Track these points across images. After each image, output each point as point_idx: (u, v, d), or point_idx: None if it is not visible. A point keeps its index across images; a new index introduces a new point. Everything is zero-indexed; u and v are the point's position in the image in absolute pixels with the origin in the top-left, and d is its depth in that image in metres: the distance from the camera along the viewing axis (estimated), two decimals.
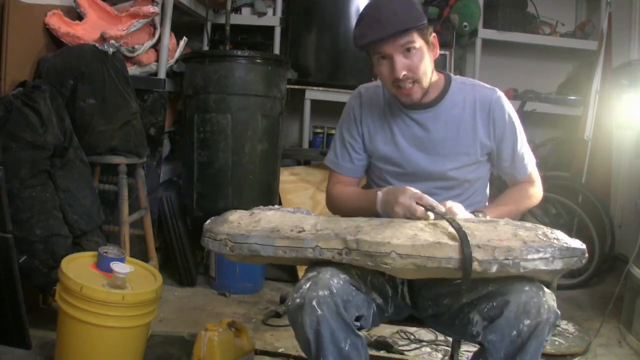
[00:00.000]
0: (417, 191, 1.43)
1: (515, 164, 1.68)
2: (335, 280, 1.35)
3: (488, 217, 1.50)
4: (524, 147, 1.68)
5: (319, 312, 1.31)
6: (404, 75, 1.50)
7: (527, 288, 1.31)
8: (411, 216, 1.40)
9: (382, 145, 1.67)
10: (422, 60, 1.51)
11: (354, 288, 1.40)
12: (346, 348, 1.33)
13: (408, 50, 1.49)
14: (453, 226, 1.28)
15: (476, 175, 1.67)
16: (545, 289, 1.35)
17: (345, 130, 1.72)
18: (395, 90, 1.57)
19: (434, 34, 1.55)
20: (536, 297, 1.29)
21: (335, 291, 1.33)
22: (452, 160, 1.62)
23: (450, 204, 1.45)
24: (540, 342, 1.28)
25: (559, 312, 1.33)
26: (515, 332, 1.27)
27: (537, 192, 1.70)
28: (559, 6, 4.02)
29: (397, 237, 1.29)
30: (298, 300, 1.34)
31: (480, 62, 3.78)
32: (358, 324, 1.40)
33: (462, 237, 1.24)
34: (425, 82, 1.56)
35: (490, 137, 1.63)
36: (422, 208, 1.40)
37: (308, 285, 1.34)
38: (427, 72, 1.55)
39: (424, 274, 1.31)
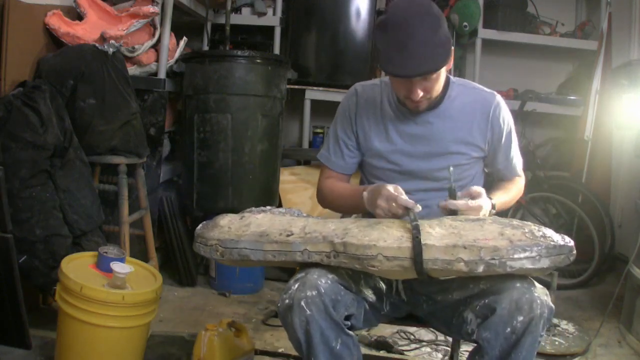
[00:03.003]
0: (392, 192, 1.43)
1: (508, 166, 1.73)
2: (323, 280, 1.36)
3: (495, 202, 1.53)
4: (517, 150, 1.73)
5: (308, 312, 1.32)
6: (421, 96, 1.51)
7: (518, 284, 1.31)
8: (393, 217, 1.42)
9: (377, 142, 1.67)
10: (438, 80, 1.52)
11: (342, 287, 1.41)
12: (337, 347, 1.34)
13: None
14: (412, 232, 1.29)
15: (469, 174, 1.68)
16: (537, 285, 1.35)
17: (340, 128, 1.73)
18: (405, 100, 1.58)
19: (452, 48, 1.52)
20: (528, 293, 1.30)
21: (323, 291, 1.34)
22: (446, 160, 1.62)
23: (472, 202, 1.44)
24: (535, 337, 1.28)
25: (554, 307, 1.33)
26: (509, 329, 1.28)
27: (522, 186, 1.78)
28: (559, 6, 4.02)
29: (383, 239, 1.30)
30: (287, 301, 1.35)
31: (480, 62, 3.78)
32: (348, 323, 1.41)
33: (415, 245, 1.27)
34: (436, 96, 1.58)
35: (485, 141, 1.66)
36: (401, 210, 1.40)
37: (296, 286, 1.36)
38: (440, 89, 1.57)
39: (412, 275, 1.32)
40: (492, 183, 1.77)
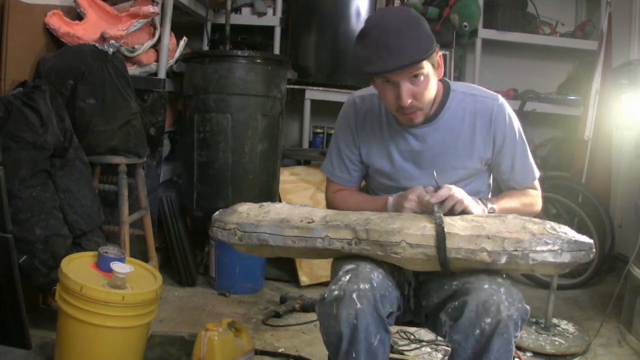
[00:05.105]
0: (423, 190, 1.46)
1: (514, 175, 1.63)
2: (375, 274, 1.34)
3: (495, 206, 1.52)
4: (525, 158, 1.63)
5: (358, 305, 1.28)
6: (410, 103, 1.46)
7: (486, 286, 1.30)
8: (421, 201, 1.43)
9: (377, 159, 1.63)
10: (427, 86, 1.47)
11: (390, 283, 1.38)
12: (375, 344, 1.30)
13: (415, 76, 1.44)
14: (436, 221, 1.29)
15: (474, 189, 1.60)
16: (509, 286, 1.33)
17: (342, 141, 1.69)
18: (397, 114, 1.53)
19: (440, 54, 1.49)
20: (495, 295, 1.28)
21: (375, 285, 1.31)
22: (449, 175, 1.56)
23: (452, 190, 1.43)
24: (506, 340, 1.26)
25: (528, 308, 1.31)
26: (478, 331, 1.26)
27: (537, 201, 1.65)
28: (559, 6, 4.02)
29: (407, 228, 1.31)
30: (336, 292, 1.31)
31: (480, 62, 3.78)
32: (389, 320, 1.37)
33: (439, 232, 1.27)
34: (428, 107, 1.53)
35: (489, 148, 1.59)
36: (429, 199, 1.42)
37: (348, 277, 1.32)
38: (432, 97, 1.51)
39: (433, 265, 1.32)
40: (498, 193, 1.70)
